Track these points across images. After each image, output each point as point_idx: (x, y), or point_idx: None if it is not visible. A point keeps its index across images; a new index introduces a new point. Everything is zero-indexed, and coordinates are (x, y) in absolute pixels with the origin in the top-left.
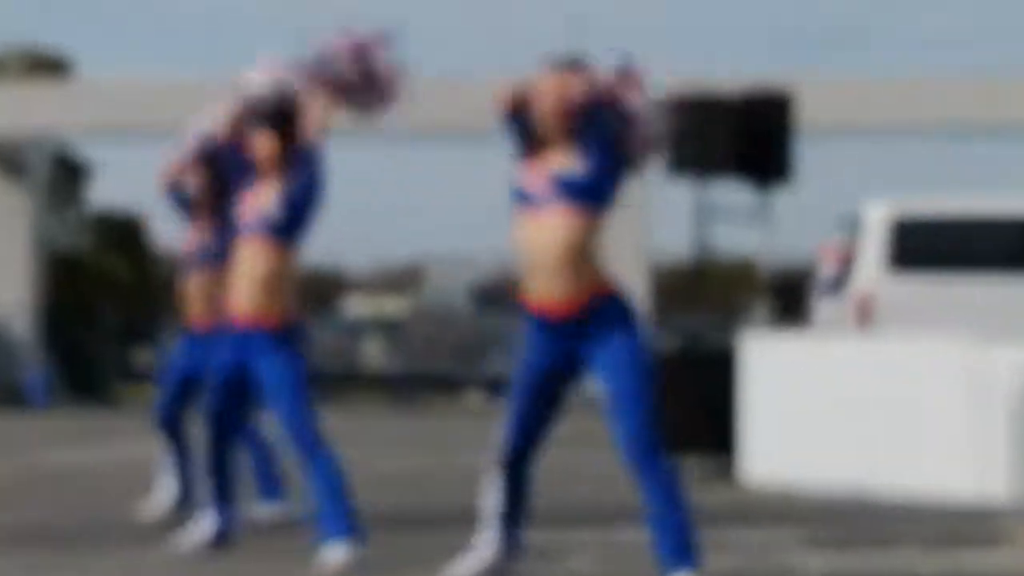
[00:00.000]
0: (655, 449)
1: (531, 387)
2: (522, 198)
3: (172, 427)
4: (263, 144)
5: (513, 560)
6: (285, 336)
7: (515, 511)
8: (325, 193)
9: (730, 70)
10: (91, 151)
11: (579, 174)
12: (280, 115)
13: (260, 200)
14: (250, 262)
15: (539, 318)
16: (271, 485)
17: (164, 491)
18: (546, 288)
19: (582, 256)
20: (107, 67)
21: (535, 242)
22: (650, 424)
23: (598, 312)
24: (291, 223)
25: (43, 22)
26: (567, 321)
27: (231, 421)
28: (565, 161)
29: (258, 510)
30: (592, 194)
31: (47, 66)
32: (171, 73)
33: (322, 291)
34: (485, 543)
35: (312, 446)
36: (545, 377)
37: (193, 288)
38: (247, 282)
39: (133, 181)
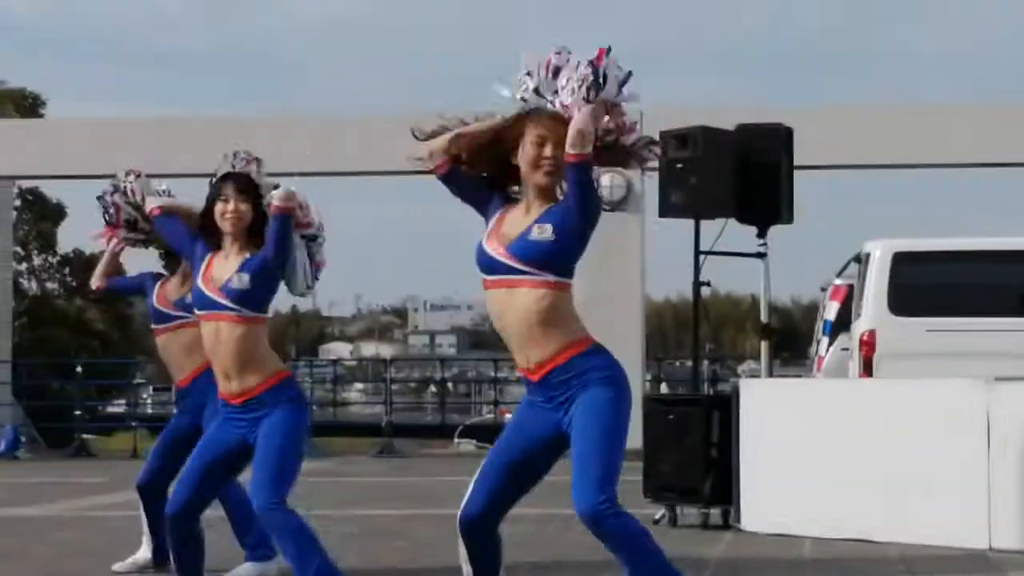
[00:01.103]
0: (608, 508)
1: (509, 448)
2: (485, 264)
3: (156, 490)
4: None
5: None
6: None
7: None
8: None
9: (726, 103)
10: (63, 193)
11: (547, 239)
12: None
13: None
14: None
15: (524, 380)
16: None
17: (143, 549)
18: (521, 355)
19: (552, 322)
20: (77, 107)
21: (504, 313)
22: (598, 485)
23: (571, 375)
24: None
25: (14, 61)
26: (542, 385)
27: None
28: (528, 221)
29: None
30: (560, 260)
31: (16, 103)
32: (143, 112)
33: (307, 338)
34: None
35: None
36: (525, 439)
37: (176, 346)
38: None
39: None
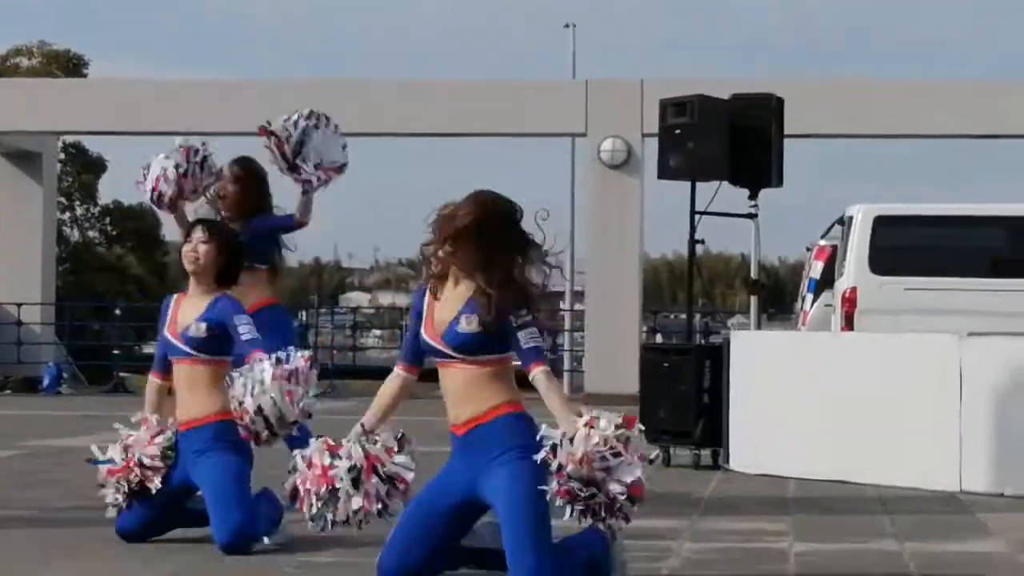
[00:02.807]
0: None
1: (429, 507)
2: (427, 350)
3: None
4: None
5: None
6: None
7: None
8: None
9: (719, 74)
10: (104, 147)
11: (472, 331)
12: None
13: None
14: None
15: (452, 436)
16: None
17: None
18: (453, 412)
19: (485, 389)
20: (118, 66)
21: (445, 383)
22: (528, 551)
23: (494, 436)
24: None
25: (58, 21)
26: (465, 441)
27: None
28: (456, 303)
29: None
30: (489, 345)
31: (62, 64)
32: (181, 72)
33: (328, 288)
34: None
35: None
36: (444, 498)
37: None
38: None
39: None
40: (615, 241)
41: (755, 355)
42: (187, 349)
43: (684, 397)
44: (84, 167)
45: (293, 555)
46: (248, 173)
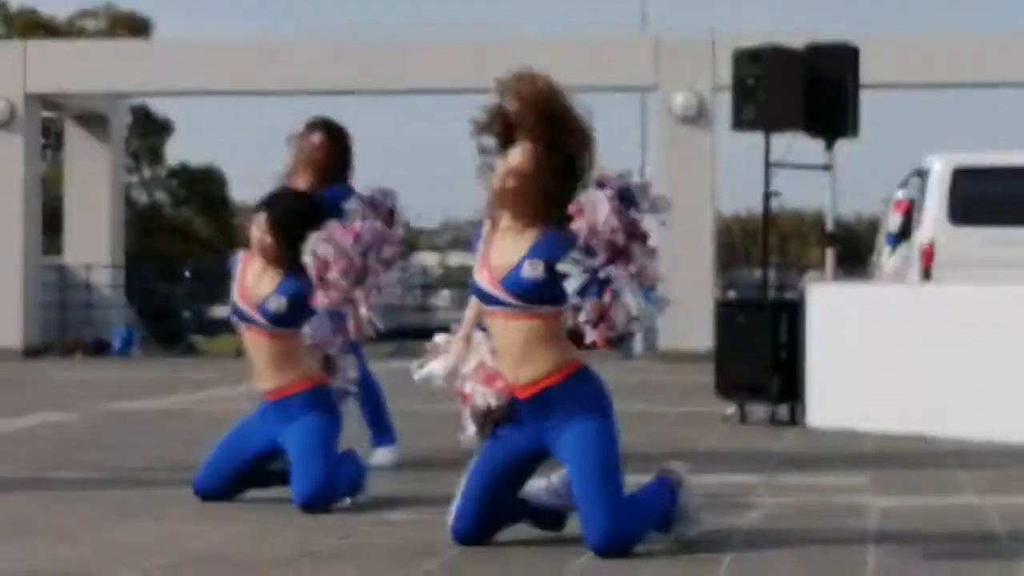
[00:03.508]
0: (622, 539)
1: (492, 465)
2: (479, 296)
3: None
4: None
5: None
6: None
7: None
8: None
9: (792, 26)
10: (170, 109)
11: (538, 276)
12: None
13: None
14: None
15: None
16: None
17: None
18: (512, 373)
19: (545, 346)
20: (185, 27)
21: (499, 338)
22: (611, 515)
23: (560, 398)
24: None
25: None
26: (528, 404)
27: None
28: (518, 250)
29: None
30: (552, 293)
31: (127, 25)
32: (247, 33)
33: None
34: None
35: None
36: (507, 454)
37: None
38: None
39: (211, 138)
40: (687, 196)
41: (832, 309)
42: (264, 322)
43: (759, 353)
44: (151, 129)
45: (364, 514)
46: (333, 138)
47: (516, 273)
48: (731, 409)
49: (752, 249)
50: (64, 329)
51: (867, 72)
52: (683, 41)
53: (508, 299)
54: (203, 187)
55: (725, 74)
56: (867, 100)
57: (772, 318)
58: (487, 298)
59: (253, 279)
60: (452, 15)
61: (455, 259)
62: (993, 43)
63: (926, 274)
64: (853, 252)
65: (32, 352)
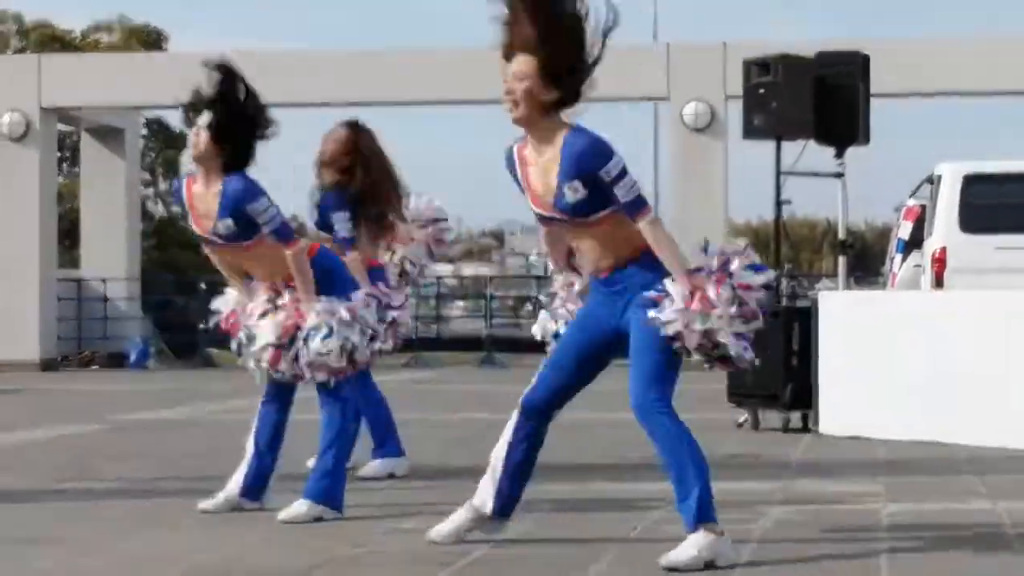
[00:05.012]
0: (651, 406)
1: (574, 343)
2: (542, 220)
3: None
4: None
5: (503, 516)
6: None
7: (519, 467)
8: None
9: (803, 34)
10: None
11: (581, 197)
12: None
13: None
14: None
15: (592, 281)
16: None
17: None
18: (594, 266)
19: (620, 240)
20: (199, 40)
21: (577, 241)
22: (648, 383)
23: (634, 277)
24: None
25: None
26: (607, 281)
27: None
28: (549, 176)
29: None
30: (603, 200)
31: (141, 38)
32: (261, 46)
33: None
34: (480, 494)
35: None
36: (587, 334)
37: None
38: None
39: None
40: (699, 205)
41: (845, 315)
42: (225, 243)
43: (772, 360)
44: (166, 142)
45: (378, 522)
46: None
47: (561, 198)
48: (744, 416)
49: (765, 258)
50: (81, 342)
51: (877, 80)
52: (694, 51)
53: (566, 218)
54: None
55: (736, 82)
56: (877, 107)
57: (784, 326)
58: (549, 220)
59: (199, 202)
60: (459, 29)
61: (469, 270)
62: (1004, 50)
63: (938, 281)
64: (864, 260)
65: (49, 365)
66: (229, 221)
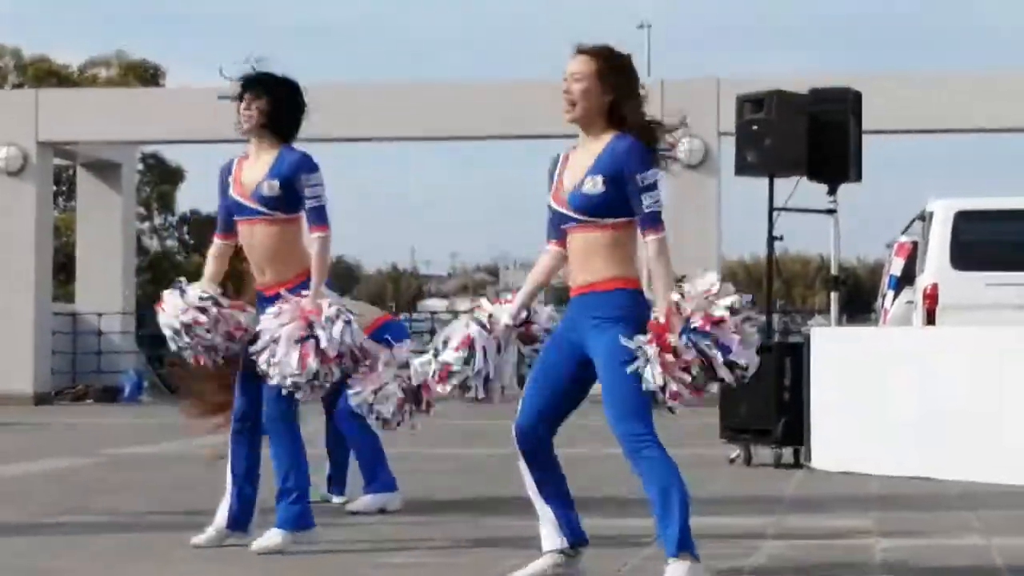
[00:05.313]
0: (639, 442)
1: (549, 365)
2: (555, 216)
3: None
4: None
5: (578, 542)
6: None
7: (556, 490)
8: None
9: (795, 71)
10: (181, 156)
11: (598, 192)
12: None
13: None
14: None
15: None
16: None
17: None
18: (576, 279)
19: (607, 256)
20: (196, 75)
21: (571, 247)
22: (628, 417)
23: (607, 305)
24: None
25: (135, 32)
26: (577, 303)
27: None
28: (585, 165)
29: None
30: (614, 207)
31: (139, 74)
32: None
33: (405, 294)
34: (546, 542)
35: None
36: (561, 357)
37: None
38: None
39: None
40: (693, 241)
41: (836, 352)
42: (262, 209)
43: (764, 395)
44: (162, 177)
45: (368, 555)
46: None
47: (579, 190)
48: (736, 452)
49: (757, 294)
50: (75, 376)
51: (870, 117)
52: (687, 86)
53: (572, 214)
54: (213, 234)
55: (729, 119)
56: (869, 144)
57: (777, 361)
58: (559, 217)
59: (247, 172)
60: (450, 66)
61: (463, 305)
62: (996, 88)
63: (930, 318)
64: (856, 297)
65: (43, 398)
66: (276, 183)
